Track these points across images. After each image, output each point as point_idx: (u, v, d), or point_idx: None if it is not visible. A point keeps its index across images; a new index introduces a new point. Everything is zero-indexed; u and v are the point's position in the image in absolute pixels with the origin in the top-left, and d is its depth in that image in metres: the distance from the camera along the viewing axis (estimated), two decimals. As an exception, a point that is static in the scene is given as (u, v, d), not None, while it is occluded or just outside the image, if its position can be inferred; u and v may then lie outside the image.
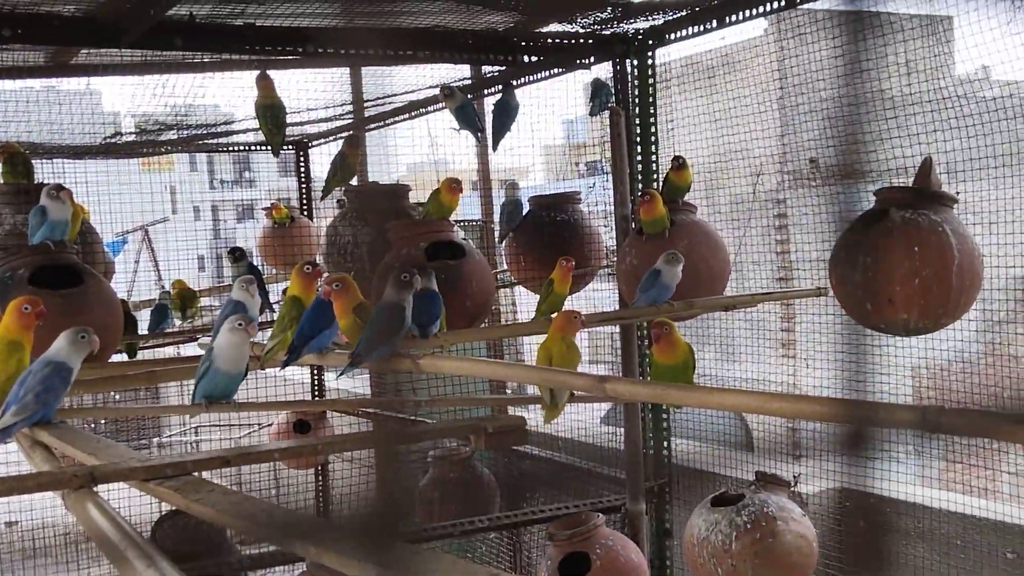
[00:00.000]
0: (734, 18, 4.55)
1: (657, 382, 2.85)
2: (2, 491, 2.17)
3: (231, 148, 6.99)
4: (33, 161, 5.02)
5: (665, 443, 5.11)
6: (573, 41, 5.09)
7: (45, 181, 4.67)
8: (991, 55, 4.05)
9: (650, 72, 5.07)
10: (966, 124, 4.09)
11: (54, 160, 6.15)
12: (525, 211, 5.24)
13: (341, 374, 3.97)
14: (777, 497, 3.93)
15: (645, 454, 4.95)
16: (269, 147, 5.20)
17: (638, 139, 5.07)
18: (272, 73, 4.69)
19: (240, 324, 3.24)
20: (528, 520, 5.11)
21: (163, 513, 5.23)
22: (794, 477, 4.12)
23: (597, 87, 5.05)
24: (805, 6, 4.38)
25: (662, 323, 3.61)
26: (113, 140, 6.08)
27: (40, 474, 2.36)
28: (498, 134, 5.09)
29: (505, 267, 5.53)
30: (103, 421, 6.56)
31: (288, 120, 5.96)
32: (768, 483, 4.01)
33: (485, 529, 5.15)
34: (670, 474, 5.06)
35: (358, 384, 6.44)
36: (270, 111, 4.65)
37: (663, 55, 5.14)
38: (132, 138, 6.25)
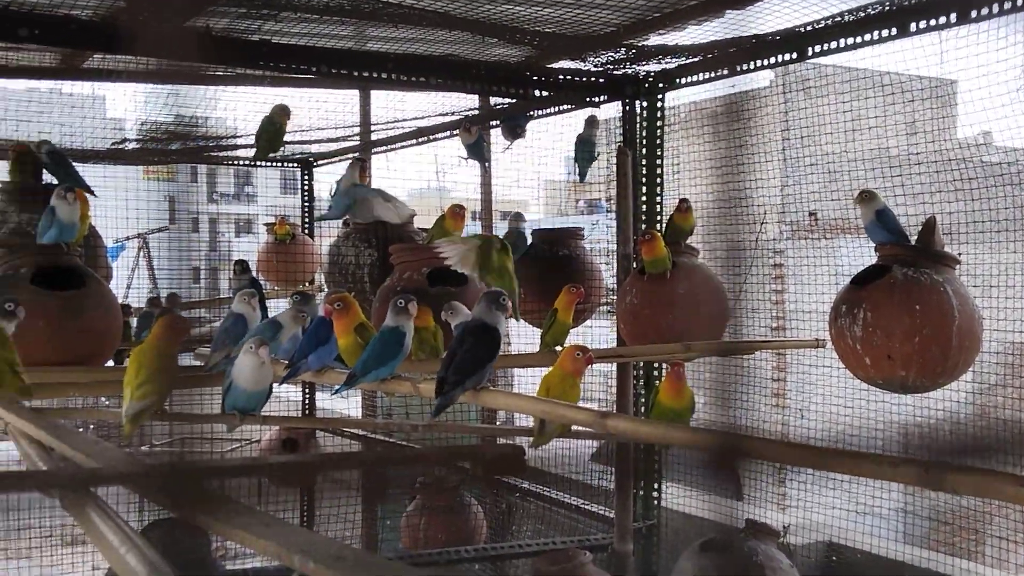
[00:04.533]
0: (745, 67, 4.59)
1: (661, 421, 2.85)
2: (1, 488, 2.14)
3: (238, 162, 6.99)
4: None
5: (656, 484, 5.10)
6: (584, 79, 5.13)
7: (49, 182, 4.68)
8: (995, 121, 4.08)
9: (658, 114, 5.12)
10: (968, 187, 4.11)
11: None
12: (528, 244, 5.25)
13: (336, 392, 3.97)
14: (766, 546, 3.91)
15: (635, 494, 4.94)
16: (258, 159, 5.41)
17: (643, 180, 5.10)
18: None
19: (251, 348, 3.30)
20: (514, 553, 5.07)
21: (149, 522, 5.16)
22: (784, 528, 4.12)
23: (581, 142, 5.12)
24: (812, 60, 4.43)
25: (681, 364, 3.61)
26: (121, 146, 6.09)
27: (40, 473, 2.33)
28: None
29: (503, 298, 5.52)
30: (92, 424, 6.51)
31: (297, 138, 6.03)
32: (758, 532, 4.00)
33: (470, 560, 5.11)
34: (659, 516, 5.04)
35: (351, 405, 6.40)
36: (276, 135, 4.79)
37: (672, 98, 5.18)
38: (139, 145, 6.26)
